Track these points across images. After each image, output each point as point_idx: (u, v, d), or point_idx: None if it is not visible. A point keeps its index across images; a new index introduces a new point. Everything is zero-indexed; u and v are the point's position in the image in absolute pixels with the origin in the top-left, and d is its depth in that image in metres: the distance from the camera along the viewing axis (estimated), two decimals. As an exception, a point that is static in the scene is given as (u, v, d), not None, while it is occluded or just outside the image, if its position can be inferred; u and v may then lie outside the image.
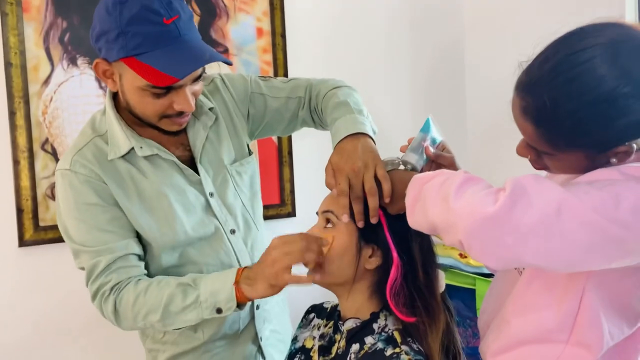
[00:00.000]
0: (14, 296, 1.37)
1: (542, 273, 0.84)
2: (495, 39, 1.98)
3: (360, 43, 1.87)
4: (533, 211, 0.67)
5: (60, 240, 1.36)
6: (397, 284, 0.93)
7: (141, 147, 1.08)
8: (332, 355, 0.99)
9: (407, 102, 1.94)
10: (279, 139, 1.75)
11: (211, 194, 1.15)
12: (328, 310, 1.11)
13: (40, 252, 1.38)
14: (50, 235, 1.38)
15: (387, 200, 0.93)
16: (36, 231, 1.36)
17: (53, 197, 1.38)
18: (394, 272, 0.93)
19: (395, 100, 1.91)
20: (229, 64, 1.04)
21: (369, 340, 0.94)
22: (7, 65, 1.33)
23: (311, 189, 1.76)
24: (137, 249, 1.09)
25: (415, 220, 0.83)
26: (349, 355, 0.95)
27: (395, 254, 0.94)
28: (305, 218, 1.71)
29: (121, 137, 1.07)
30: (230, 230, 1.16)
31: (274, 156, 1.73)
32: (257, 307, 1.20)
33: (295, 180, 1.74)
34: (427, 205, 0.78)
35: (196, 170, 1.14)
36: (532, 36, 0.78)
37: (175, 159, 1.11)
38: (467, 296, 1.66)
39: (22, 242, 1.35)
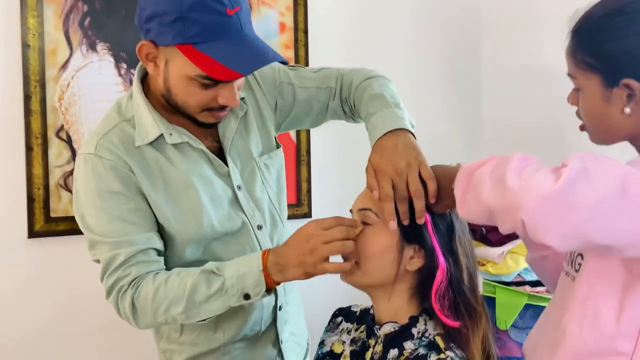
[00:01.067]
0: (23, 289, 1.31)
1: (599, 274, 0.81)
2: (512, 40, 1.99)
3: (382, 42, 1.84)
4: (597, 188, 0.65)
5: (72, 232, 1.31)
6: (443, 287, 0.90)
7: (171, 134, 1.03)
8: (368, 359, 0.95)
9: (430, 100, 1.92)
10: (298, 137, 1.71)
11: (239, 187, 1.11)
12: (357, 314, 1.07)
13: (50, 244, 1.32)
14: (62, 227, 1.31)
15: (432, 200, 0.89)
16: (47, 222, 1.29)
17: (66, 187, 1.32)
18: (440, 275, 0.89)
19: (419, 98, 1.88)
20: (286, 63, 1.01)
21: (408, 345, 0.91)
22: (25, 47, 1.27)
23: (328, 189, 1.73)
24: (159, 244, 1.04)
25: (468, 210, 0.79)
26: None
27: (440, 256, 0.90)
28: (321, 215, 1.67)
29: (149, 123, 1.03)
30: (258, 226, 1.12)
31: (292, 155, 1.69)
32: (280, 308, 1.16)
33: (312, 181, 1.70)
34: (481, 191, 0.74)
35: (224, 162, 1.09)
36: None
37: (205, 149, 1.07)
38: (486, 305, 1.62)
39: (32, 233, 1.29)
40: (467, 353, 0.88)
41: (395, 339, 0.92)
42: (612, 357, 0.78)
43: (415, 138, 0.98)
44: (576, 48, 0.82)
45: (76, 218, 1.04)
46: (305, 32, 1.65)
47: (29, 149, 1.28)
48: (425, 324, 0.92)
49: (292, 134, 1.70)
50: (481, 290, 1.02)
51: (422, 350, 0.88)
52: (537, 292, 1.53)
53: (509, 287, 1.55)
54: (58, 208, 1.31)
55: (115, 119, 1.05)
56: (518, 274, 1.60)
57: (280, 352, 1.17)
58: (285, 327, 1.18)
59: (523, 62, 1.96)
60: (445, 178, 0.88)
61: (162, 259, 1.05)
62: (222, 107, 1.01)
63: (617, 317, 0.78)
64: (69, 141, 1.33)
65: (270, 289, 0.97)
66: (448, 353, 0.86)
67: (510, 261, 1.60)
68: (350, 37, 1.77)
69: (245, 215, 1.11)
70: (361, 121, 1.15)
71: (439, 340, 0.88)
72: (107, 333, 1.40)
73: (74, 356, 1.36)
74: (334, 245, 0.89)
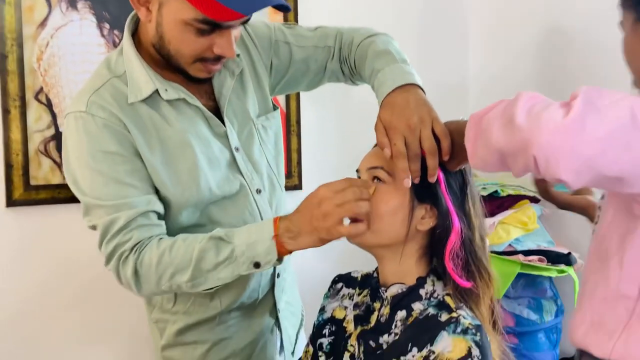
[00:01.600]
0: (1, 261, 1.24)
1: (610, 221, 0.85)
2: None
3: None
4: (607, 120, 0.65)
5: (53, 201, 1.25)
6: (456, 247, 0.89)
7: (166, 90, 0.98)
8: (372, 324, 0.94)
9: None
10: (288, 106, 1.67)
11: (237, 149, 1.06)
12: (359, 279, 1.05)
13: (30, 213, 1.25)
14: (42, 196, 1.25)
15: (446, 158, 0.87)
16: (26, 190, 1.22)
17: (46, 154, 1.25)
18: (454, 235, 0.88)
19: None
20: (288, 10, 0.94)
21: (417, 306, 0.90)
22: (0, 2, 1.18)
23: (319, 160, 1.69)
24: (159, 207, 0.99)
25: (479, 157, 0.78)
26: (395, 323, 0.90)
27: (455, 216, 0.89)
28: (311, 190, 1.65)
29: (143, 79, 0.97)
30: (257, 190, 1.09)
31: (282, 124, 1.63)
32: (278, 275, 1.14)
33: (302, 151, 1.66)
34: (490, 135, 0.73)
35: (221, 122, 1.05)
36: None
37: (202, 106, 1.02)
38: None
39: (10, 202, 1.21)
40: (477, 313, 0.87)
41: (403, 301, 0.91)
42: (619, 301, 0.81)
43: (425, 93, 0.95)
44: None
45: (68, 183, 0.98)
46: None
47: (5, 111, 1.20)
48: (434, 285, 0.91)
49: (282, 103, 1.66)
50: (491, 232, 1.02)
51: (432, 311, 0.87)
52: (529, 260, 1.54)
53: (502, 257, 1.56)
54: (38, 175, 1.24)
55: (105, 74, 0.99)
56: (509, 244, 1.61)
57: (277, 321, 1.15)
58: (282, 296, 1.16)
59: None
60: (457, 133, 0.86)
61: (163, 222, 1.00)
62: (217, 59, 0.96)
63: (620, 260, 0.80)
64: (48, 104, 1.25)
65: (281, 257, 0.94)
66: (460, 312, 0.85)
67: (501, 231, 1.61)
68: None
69: (244, 178, 1.07)
70: (361, 82, 1.12)
71: (448, 300, 0.87)
72: (89, 304, 1.36)
73: (55, 327, 1.32)
74: (347, 207, 0.86)
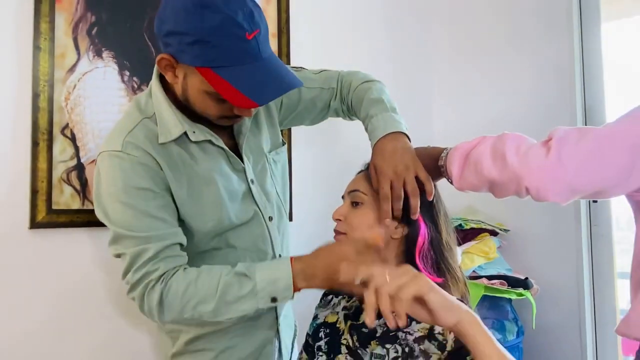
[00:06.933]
0: (23, 279, 1.31)
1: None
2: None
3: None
4: (576, 154, 0.82)
5: (72, 225, 1.37)
6: (425, 248, 1.02)
7: (194, 132, 1.06)
8: (361, 322, 1.04)
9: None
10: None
11: (252, 181, 1.15)
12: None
13: (51, 236, 1.35)
14: (63, 219, 1.35)
15: (430, 198, 1.01)
16: (49, 214, 1.34)
17: (68, 182, 1.38)
18: (421, 237, 1.01)
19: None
20: (302, 86, 1.03)
21: None
22: (36, 49, 1.35)
23: (308, 195, 1.84)
24: (183, 239, 1.06)
25: (467, 182, 0.95)
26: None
27: (422, 222, 1.02)
28: (301, 223, 1.78)
29: (172, 121, 1.04)
30: (269, 217, 1.18)
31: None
32: None
33: (293, 184, 1.78)
34: (482, 168, 0.90)
35: (240, 158, 1.14)
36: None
37: (224, 146, 1.11)
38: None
39: (34, 224, 1.32)
40: None
41: None
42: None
43: (410, 140, 1.09)
44: None
45: (98, 216, 1.03)
46: (288, 56, 1.82)
47: (35, 143, 1.33)
48: None
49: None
50: (460, 260, 1.18)
51: None
52: (492, 283, 1.72)
53: (468, 281, 1.73)
54: (60, 201, 1.36)
55: (137, 116, 1.06)
56: (474, 271, 1.79)
57: (277, 333, 1.23)
58: (282, 310, 1.24)
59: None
60: (430, 157, 1.03)
61: (185, 253, 1.06)
62: (239, 115, 1.04)
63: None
64: (72, 139, 1.40)
65: (294, 293, 1.02)
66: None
67: (466, 259, 1.79)
68: (328, 62, 1.94)
69: (258, 207, 1.15)
70: (356, 119, 1.25)
71: None
72: (107, 324, 1.41)
73: (73, 347, 1.36)
74: (363, 269, 0.90)
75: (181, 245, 1.05)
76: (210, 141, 1.09)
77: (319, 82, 1.27)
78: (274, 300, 1.01)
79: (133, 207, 1.00)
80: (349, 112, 1.28)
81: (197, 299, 1.00)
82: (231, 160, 1.12)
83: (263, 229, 1.16)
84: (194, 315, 1.01)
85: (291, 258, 1.03)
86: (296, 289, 1.02)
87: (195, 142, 1.07)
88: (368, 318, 0.74)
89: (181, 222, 1.08)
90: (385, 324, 0.98)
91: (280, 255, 1.21)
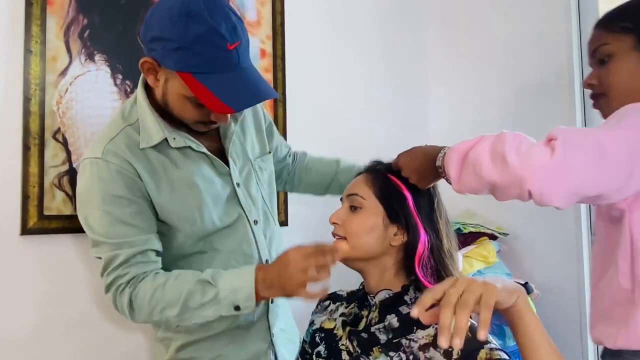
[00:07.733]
0: (14, 286, 1.29)
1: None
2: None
3: (349, 67, 2.03)
4: (581, 156, 0.80)
5: (64, 230, 1.34)
6: (425, 257, 1.00)
7: (174, 139, 1.10)
8: (361, 328, 1.02)
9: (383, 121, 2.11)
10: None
11: (238, 184, 1.18)
12: (345, 295, 1.15)
13: (43, 242, 1.33)
14: (55, 225, 1.33)
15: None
16: (40, 219, 1.31)
17: (60, 187, 1.36)
18: (421, 245, 0.99)
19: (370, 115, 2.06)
20: (277, 97, 1.08)
21: (404, 310, 0.99)
22: (27, 52, 1.33)
23: (304, 198, 1.82)
24: (157, 245, 1.09)
25: (466, 184, 0.91)
26: (385, 323, 0.98)
27: (422, 230, 1.00)
28: (297, 228, 1.77)
29: (153, 128, 1.08)
30: (254, 221, 1.19)
31: (269, 167, 1.78)
32: (272, 301, 1.23)
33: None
34: (481, 169, 0.86)
35: (225, 161, 1.16)
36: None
37: (206, 151, 1.13)
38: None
39: (25, 230, 1.30)
40: None
41: (392, 306, 0.99)
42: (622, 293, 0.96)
43: None
44: (612, 18, 0.95)
45: (80, 219, 1.08)
46: (283, 58, 1.82)
47: (26, 148, 1.31)
48: (415, 293, 1.00)
49: (269, 149, 1.81)
50: (461, 266, 1.15)
51: None
52: (491, 288, 1.69)
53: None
54: (52, 206, 1.34)
55: (120, 123, 1.10)
56: (473, 275, 1.77)
57: (271, 345, 1.23)
58: (276, 322, 1.24)
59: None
60: (428, 158, 0.99)
61: (159, 259, 1.09)
62: (214, 121, 1.07)
63: (615, 259, 0.97)
64: (64, 143, 1.38)
65: (259, 302, 1.04)
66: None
67: (465, 264, 1.77)
68: (322, 63, 1.96)
69: (243, 210, 1.17)
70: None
71: None
72: (99, 330, 1.40)
73: (65, 353, 1.35)
74: (310, 275, 0.96)
75: (156, 252, 1.09)
76: (190, 147, 1.11)
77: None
78: (237, 308, 1.03)
79: (109, 214, 1.04)
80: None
81: (164, 304, 1.04)
82: (215, 165, 1.15)
83: (247, 232, 1.17)
84: (161, 319, 1.06)
85: (257, 267, 1.04)
86: (259, 298, 1.03)
87: (176, 148, 1.10)
88: (444, 341, 0.67)
89: (167, 226, 1.10)
90: (388, 330, 0.96)
91: (267, 260, 1.21)
